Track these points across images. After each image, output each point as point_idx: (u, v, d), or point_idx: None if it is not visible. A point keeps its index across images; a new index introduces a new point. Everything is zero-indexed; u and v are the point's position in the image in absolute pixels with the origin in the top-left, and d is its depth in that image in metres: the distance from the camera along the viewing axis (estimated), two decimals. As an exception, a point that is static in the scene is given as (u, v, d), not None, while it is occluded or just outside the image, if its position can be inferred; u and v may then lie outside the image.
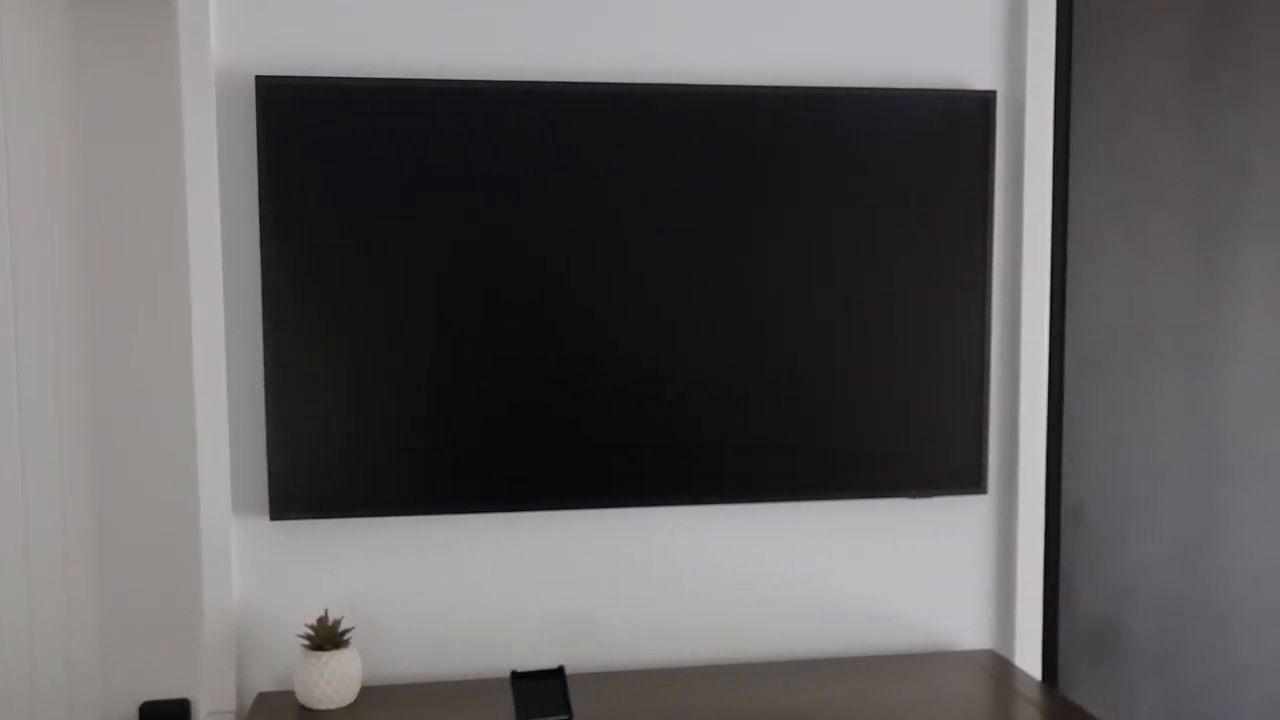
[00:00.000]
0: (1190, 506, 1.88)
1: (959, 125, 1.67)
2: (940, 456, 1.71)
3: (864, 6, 1.68)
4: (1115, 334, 1.84)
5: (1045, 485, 1.80)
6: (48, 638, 1.66)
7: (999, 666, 1.70)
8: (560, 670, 1.49)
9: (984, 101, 1.68)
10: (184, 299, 1.65)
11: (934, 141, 1.67)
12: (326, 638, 1.54)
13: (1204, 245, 1.85)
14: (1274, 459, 1.89)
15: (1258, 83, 1.84)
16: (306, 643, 1.54)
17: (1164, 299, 1.85)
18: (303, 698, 1.53)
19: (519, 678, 1.48)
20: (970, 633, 1.80)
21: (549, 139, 1.57)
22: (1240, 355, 1.87)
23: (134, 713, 1.69)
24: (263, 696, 1.59)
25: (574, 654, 1.70)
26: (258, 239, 1.57)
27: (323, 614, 1.59)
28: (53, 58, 1.61)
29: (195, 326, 1.57)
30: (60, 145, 1.61)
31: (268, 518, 1.60)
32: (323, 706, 1.52)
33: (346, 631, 1.55)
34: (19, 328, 1.62)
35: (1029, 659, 1.79)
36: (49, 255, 1.62)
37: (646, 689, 1.60)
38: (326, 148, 1.53)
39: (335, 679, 1.52)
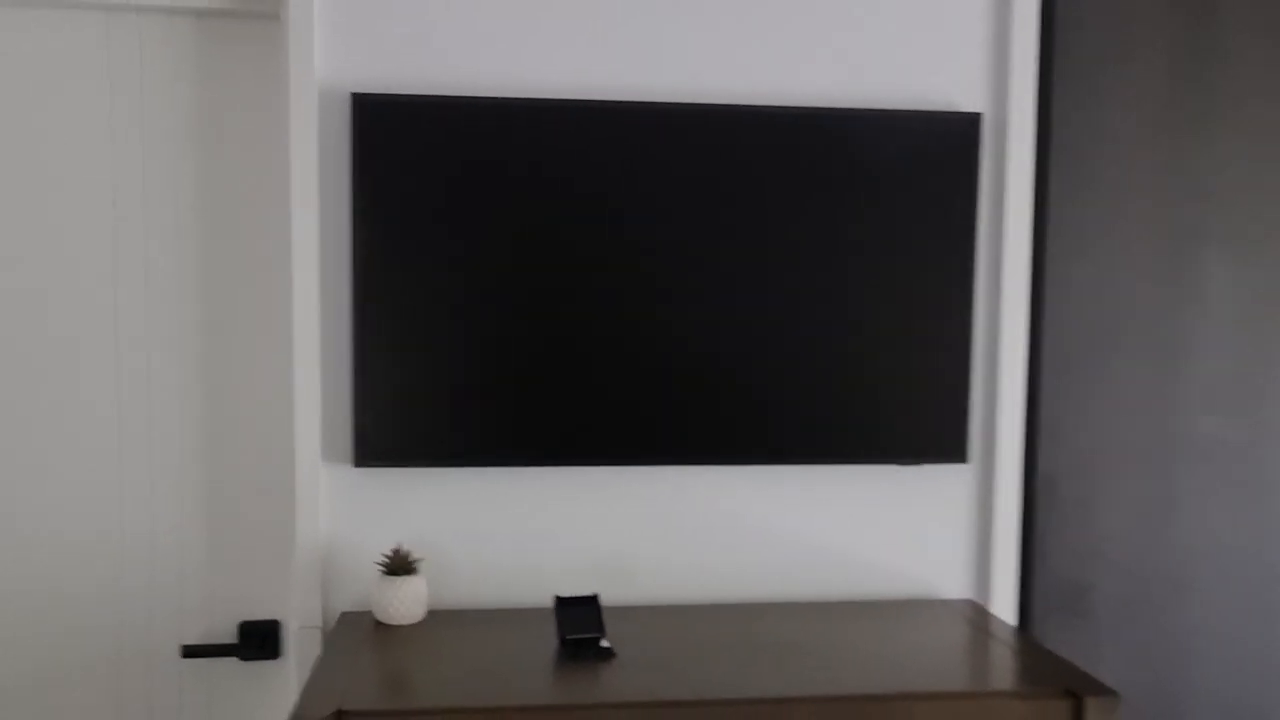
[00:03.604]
0: (1152, 482, 2.06)
1: (948, 143, 1.91)
2: (928, 430, 1.94)
3: (863, 35, 1.93)
4: (1087, 331, 2.03)
5: (1022, 460, 2.02)
6: (165, 564, 1.92)
7: (977, 613, 1.93)
8: (595, 597, 1.75)
9: (971, 122, 1.91)
10: (287, 280, 1.92)
11: (926, 156, 1.90)
12: (400, 565, 1.80)
13: (1169, 255, 2.04)
14: (1225, 443, 2.07)
15: (1223, 112, 2.03)
16: (383, 569, 1.81)
17: (1131, 301, 2.04)
18: (379, 615, 1.79)
19: (561, 602, 1.74)
20: (952, 586, 2.02)
21: (593, 151, 1.84)
22: (1199, 352, 2.06)
23: (234, 628, 1.96)
24: (345, 615, 1.85)
25: (609, 589, 1.95)
26: (349, 229, 1.85)
27: (397, 546, 1.86)
28: (182, 73, 1.90)
29: (295, 304, 1.81)
30: (189, 145, 1.90)
31: (352, 465, 1.86)
32: (396, 622, 1.78)
33: (416, 561, 1.81)
34: (149, 301, 1.91)
35: (1004, 612, 2.00)
36: (179, 240, 1.91)
37: (670, 620, 1.84)
38: (411, 153, 1.80)
39: (407, 600, 1.79)
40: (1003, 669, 1.64)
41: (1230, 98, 2.04)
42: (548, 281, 1.84)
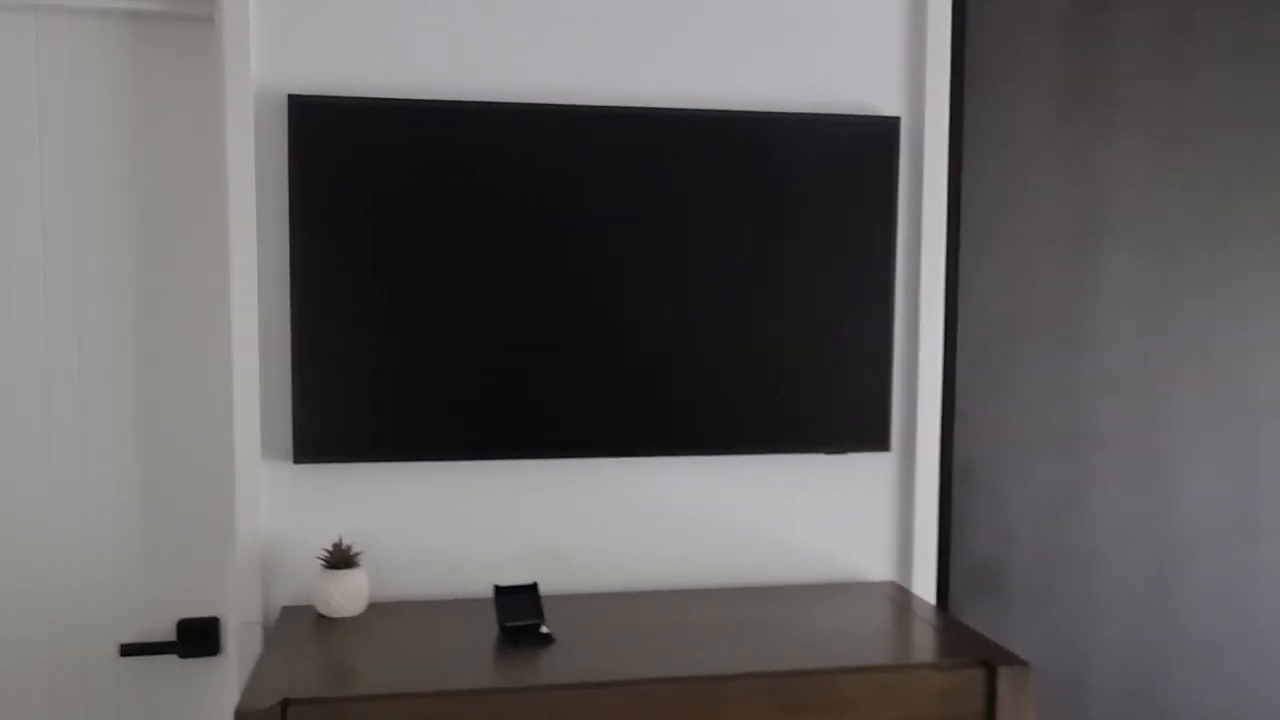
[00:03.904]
0: (1060, 467, 2.18)
1: (869, 145, 1.99)
2: (852, 420, 2.01)
3: (785, 41, 2.01)
4: (999, 322, 2.15)
5: (940, 447, 2.12)
6: (102, 562, 1.92)
7: (899, 594, 2.02)
8: (534, 586, 1.81)
9: (890, 126, 1.99)
10: (225, 278, 1.94)
11: (848, 158, 1.98)
12: (340, 559, 1.83)
13: (1072, 249, 2.16)
14: (1124, 430, 2.19)
15: (1117, 115, 2.16)
16: (323, 563, 1.84)
17: (1039, 293, 2.15)
18: (321, 608, 1.81)
19: (501, 591, 1.79)
20: (875, 568, 2.12)
21: (523, 152, 1.88)
22: (1101, 341, 2.18)
23: (173, 626, 1.97)
24: (287, 609, 1.87)
25: (548, 579, 2.00)
26: (288, 228, 1.88)
27: (337, 540, 1.89)
28: (114, 75, 1.90)
29: (233, 302, 1.83)
30: (122, 147, 1.90)
31: (291, 461, 1.89)
32: (337, 615, 1.81)
33: (357, 554, 1.84)
34: (82, 302, 1.91)
35: (925, 592, 2.10)
36: (112, 241, 1.91)
37: (607, 607, 1.89)
38: (347, 154, 1.83)
39: (348, 592, 1.82)
40: (923, 644, 1.73)
41: (1126, 100, 2.17)
42: (482, 279, 1.89)
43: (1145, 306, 2.20)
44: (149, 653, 1.94)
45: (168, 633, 1.97)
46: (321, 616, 1.83)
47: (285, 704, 1.45)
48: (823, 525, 2.09)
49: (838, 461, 2.08)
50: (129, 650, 1.93)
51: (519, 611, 1.76)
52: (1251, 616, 2.27)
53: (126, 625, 1.95)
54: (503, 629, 1.73)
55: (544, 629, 1.73)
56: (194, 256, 1.94)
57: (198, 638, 1.96)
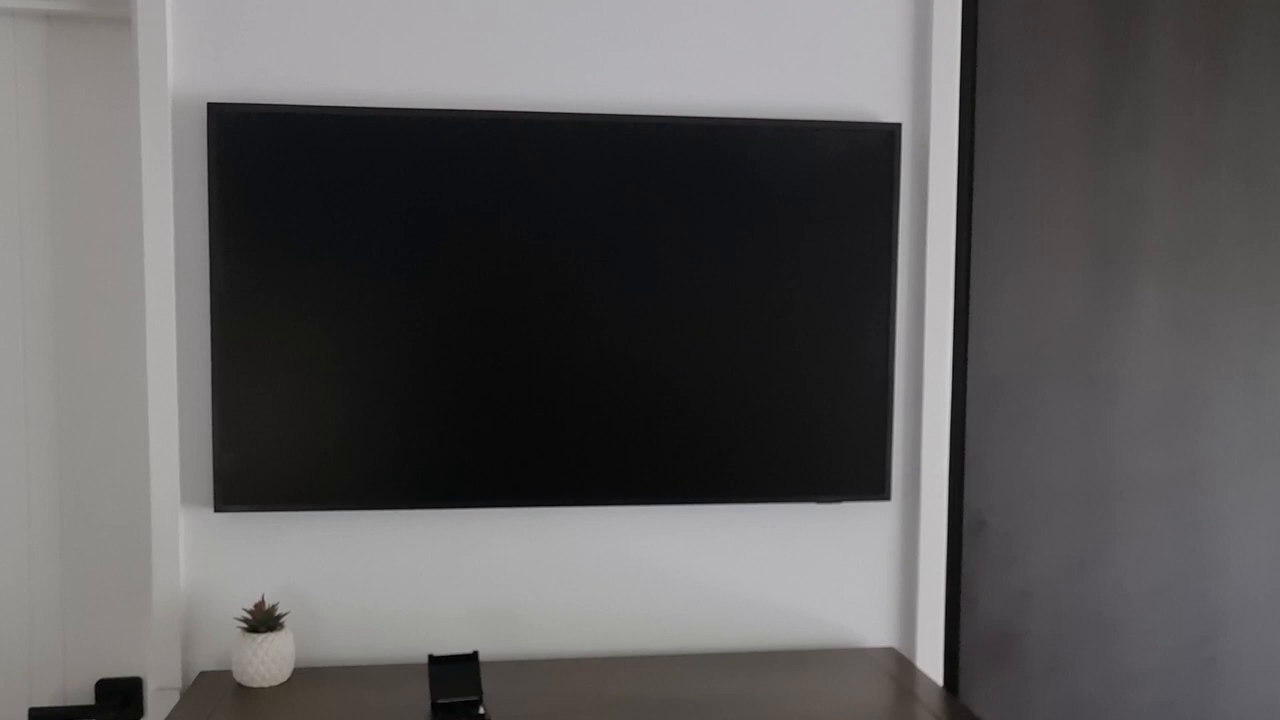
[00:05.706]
0: (1083, 520, 1.96)
1: (866, 155, 1.78)
2: (846, 465, 1.81)
3: (781, 46, 1.80)
4: (1014, 356, 1.93)
5: (948, 496, 1.91)
6: (11, 620, 1.77)
7: (897, 664, 1.80)
8: (474, 655, 1.61)
9: (889, 134, 1.78)
10: (141, 309, 1.77)
11: (843, 170, 1.77)
12: (262, 621, 1.65)
13: (1098, 275, 1.94)
14: (1159, 478, 1.97)
15: (1153, 126, 1.93)
16: (244, 625, 1.66)
17: (1060, 324, 1.94)
18: (239, 676, 1.64)
19: (436, 661, 1.59)
20: (874, 632, 1.90)
21: (478, 162, 1.69)
22: (1129, 380, 1.96)
23: (90, 689, 1.80)
24: (203, 675, 1.69)
25: (493, 643, 1.80)
26: (208, 249, 1.70)
27: (260, 599, 1.71)
28: (27, 81, 1.74)
29: (149, 335, 1.68)
30: (31, 160, 1.74)
31: (212, 509, 1.72)
32: (256, 684, 1.63)
33: (281, 615, 1.66)
34: (-10, 330, 1.75)
35: (931, 659, 1.88)
36: (19, 266, 1.75)
37: (559, 676, 1.71)
38: (272, 168, 1.65)
39: (269, 659, 1.63)
40: (915, 733, 1.51)
41: (1156, 111, 1.95)
42: (426, 308, 1.70)
43: (1179, 338, 1.96)
44: (63, 717, 1.79)
45: (85, 694, 1.81)
46: (241, 685, 1.64)
47: (161, 805, 1.26)
48: (814, 583, 1.87)
49: (832, 512, 1.87)
50: (40, 715, 1.78)
51: (455, 686, 1.56)
52: (1305, 693, 2.02)
53: (39, 687, 1.79)
54: (434, 707, 1.53)
55: (481, 709, 1.53)
56: (110, 280, 1.77)
57: (118, 700, 1.80)
